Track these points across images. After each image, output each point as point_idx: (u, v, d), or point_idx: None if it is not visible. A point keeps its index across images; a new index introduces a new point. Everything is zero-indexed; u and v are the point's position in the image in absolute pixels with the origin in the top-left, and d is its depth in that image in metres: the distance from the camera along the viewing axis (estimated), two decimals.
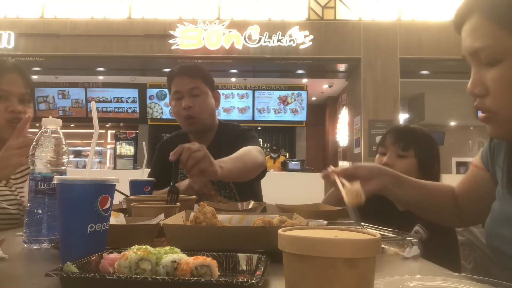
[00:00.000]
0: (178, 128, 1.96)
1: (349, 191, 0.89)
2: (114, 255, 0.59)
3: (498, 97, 0.67)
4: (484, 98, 0.69)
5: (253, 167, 1.58)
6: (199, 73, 1.83)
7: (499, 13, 0.64)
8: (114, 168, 9.35)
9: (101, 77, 8.82)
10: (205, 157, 1.18)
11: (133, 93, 9.19)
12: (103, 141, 10.75)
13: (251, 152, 1.59)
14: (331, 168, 1.01)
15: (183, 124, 1.83)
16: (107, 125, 10.07)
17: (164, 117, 9.12)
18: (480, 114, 0.72)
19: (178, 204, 1.10)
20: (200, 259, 0.55)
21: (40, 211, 0.88)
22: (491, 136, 0.78)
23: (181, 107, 1.77)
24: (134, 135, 9.59)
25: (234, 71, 7.99)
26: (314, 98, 10.06)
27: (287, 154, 9.60)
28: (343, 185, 0.93)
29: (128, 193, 1.44)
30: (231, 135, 1.85)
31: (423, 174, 1.45)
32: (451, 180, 1.53)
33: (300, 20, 7.23)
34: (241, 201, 1.57)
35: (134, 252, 0.55)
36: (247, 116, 9.15)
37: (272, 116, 9.21)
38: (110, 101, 9.24)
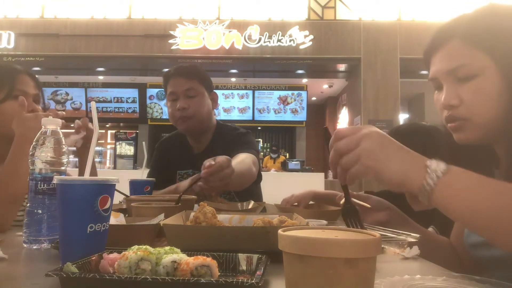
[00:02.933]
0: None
1: None
2: (114, 255, 0.59)
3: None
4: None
5: (247, 180, 1.62)
6: (195, 74, 1.81)
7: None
8: (114, 168, 9.35)
9: (101, 77, 8.82)
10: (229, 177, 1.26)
11: (133, 93, 9.19)
12: (103, 141, 10.76)
13: (247, 163, 1.60)
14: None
15: (176, 125, 1.82)
16: (107, 125, 10.08)
17: (164, 117, 9.12)
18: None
19: (178, 204, 1.10)
20: (200, 259, 0.54)
21: (40, 211, 0.88)
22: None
23: (176, 108, 1.76)
24: (134, 135, 9.60)
25: (234, 71, 7.99)
26: (314, 98, 10.06)
27: (287, 154, 9.61)
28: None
29: (128, 193, 1.44)
30: (229, 138, 1.83)
31: None
32: None
33: (300, 20, 7.23)
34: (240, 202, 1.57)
35: (134, 252, 0.55)
36: (247, 116, 9.15)
37: (272, 116, 9.21)
38: (110, 101, 9.24)
